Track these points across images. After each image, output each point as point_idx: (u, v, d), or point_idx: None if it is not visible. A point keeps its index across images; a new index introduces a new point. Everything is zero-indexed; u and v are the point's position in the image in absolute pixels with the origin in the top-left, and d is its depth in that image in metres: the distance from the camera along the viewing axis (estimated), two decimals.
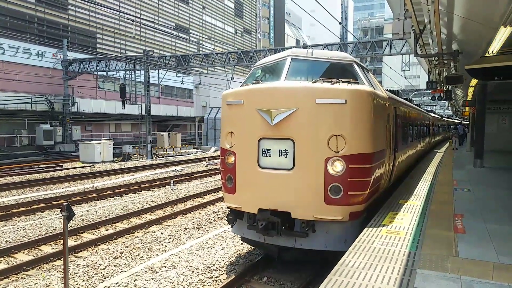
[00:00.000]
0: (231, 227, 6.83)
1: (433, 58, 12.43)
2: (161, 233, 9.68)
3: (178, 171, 21.99)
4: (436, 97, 18.92)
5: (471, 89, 17.26)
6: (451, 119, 53.21)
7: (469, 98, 20.25)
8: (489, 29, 7.64)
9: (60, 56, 33.34)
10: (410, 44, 16.91)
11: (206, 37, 56.95)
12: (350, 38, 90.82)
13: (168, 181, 17.45)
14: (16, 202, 13.00)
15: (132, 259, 7.85)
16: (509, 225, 6.19)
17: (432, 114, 23.18)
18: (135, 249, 8.46)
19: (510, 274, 4.17)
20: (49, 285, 6.65)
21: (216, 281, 6.61)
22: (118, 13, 37.96)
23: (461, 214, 6.79)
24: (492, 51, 8.64)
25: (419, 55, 11.95)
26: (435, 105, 52.35)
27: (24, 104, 30.74)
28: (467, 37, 10.44)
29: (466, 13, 8.03)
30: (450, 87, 18.11)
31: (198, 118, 46.93)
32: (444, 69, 13.92)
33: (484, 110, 14.52)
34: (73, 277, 6.88)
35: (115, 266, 7.46)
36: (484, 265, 4.43)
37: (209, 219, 11.07)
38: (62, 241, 8.66)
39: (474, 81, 14.52)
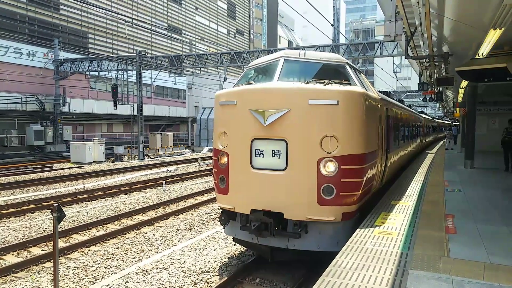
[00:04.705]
0: (224, 228, 6.81)
1: (424, 60, 12.53)
2: (153, 234, 9.61)
3: (170, 171, 21.89)
4: (427, 99, 19.17)
5: (461, 91, 17.43)
6: (442, 120, 53.73)
7: (460, 99, 20.43)
8: (479, 31, 7.72)
9: (52, 56, 33.03)
10: (401, 46, 17.03)
11: (199, 37, 56.83)
12: (342, 40, 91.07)
13: (160, 181, 17.35)
14: (5, 203, 12.82)
15: (123, 260, 7.79)
16: (500, 225, 6.25)
17: (423, 115, 23.37)
18: (126, 250, 8.39)
19: (501, 274, 4.21)
20: (38, 287, 6.56)
21: (208, 282, 6.57)
22: (110, 13, 37.70)
23: (452, 214, 6.84)
24: (482, 53, 8.71)
25: (410, 57, 12.04)
26: (426, 106, 52.81)
27: (15, 104, 30.45)
28: (458, 40, 10.54)
29: (456, 16, 8.11)
30: (441, 88, 18.29)
31: (191, 118, 46.79)
32: (435, 71, 14.03)
33: (474, 112, 14.65)
34: (63, 279, 6.80)
35: (106, 267, 7.38)
36: (475, 265, 4.47)
37: (202, 220, 11.02)
38: (52, 242, 8.59)
39: (464, 83, 14.66)
